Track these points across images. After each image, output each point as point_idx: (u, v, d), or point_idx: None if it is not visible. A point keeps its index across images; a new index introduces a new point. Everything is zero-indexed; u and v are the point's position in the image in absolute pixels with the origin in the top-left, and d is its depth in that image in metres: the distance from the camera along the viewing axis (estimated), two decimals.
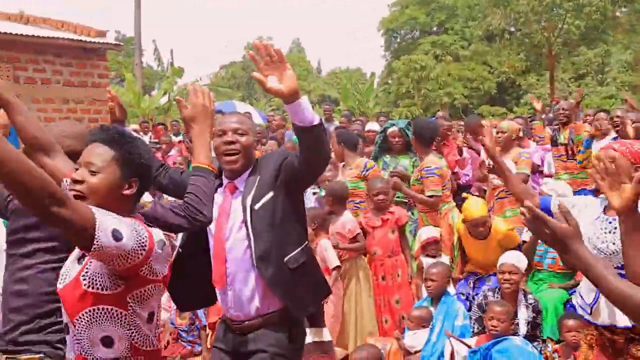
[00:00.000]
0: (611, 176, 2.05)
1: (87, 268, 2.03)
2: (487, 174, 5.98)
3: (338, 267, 4.93)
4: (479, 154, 7.03)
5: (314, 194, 7.00)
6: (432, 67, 28.25)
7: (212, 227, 2.94)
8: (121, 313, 2.05)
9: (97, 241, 1.87)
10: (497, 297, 4.52)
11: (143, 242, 2.01)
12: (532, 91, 26.98)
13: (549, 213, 3.11)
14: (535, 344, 4.30)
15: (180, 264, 2.92)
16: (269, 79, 2.49)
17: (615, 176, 2.05)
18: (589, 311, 3.06)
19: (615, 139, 6.09)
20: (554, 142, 7.03)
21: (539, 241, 4.18)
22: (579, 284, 3.53)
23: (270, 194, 2.86)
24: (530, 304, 4.47)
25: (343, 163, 6.19)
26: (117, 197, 2.08)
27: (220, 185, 2.99)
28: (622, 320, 2.94)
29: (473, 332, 4.55)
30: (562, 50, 27.41)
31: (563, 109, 7.02)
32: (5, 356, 2.92)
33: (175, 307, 4.95)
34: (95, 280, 2.02)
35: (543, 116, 9.40)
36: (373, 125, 8.65)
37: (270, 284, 2.86)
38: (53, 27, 11.04)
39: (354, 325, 5.12)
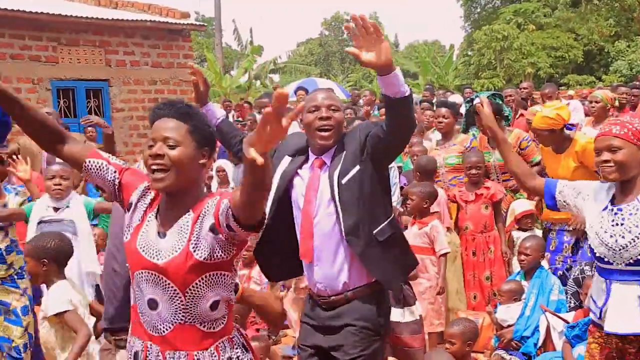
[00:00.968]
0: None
1: (195, 241, 2.12)
2: None
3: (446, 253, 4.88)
4: None
5: None
6: (514, 37, 27.25)
7: (299, 201, 2.99)
8: (228, 276, 2.19)
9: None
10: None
11: None
12: (622, 58, 25.71)
13: (553, 197, 3.01)
14: None
15: (267, 236, 3.01)
16: (362, 53, 2.50)
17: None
18: (598, 315, 2.89)
19: None
20: None
21: None
22: None
23: (357, 167, 2.88)
24: None
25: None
26: (195, 167, 2.18)
27: (306, 160, 3.03)
28: (634, 328, 2.73)
29: (569, 307, 4.44)
30: None
31: None
32: (113, 337, 3.10)
33: (266, 282, 5.08)
34: (213, 250, 2.13)
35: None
36: (456, 98, 8.52)
37: (361, 257, 2.89)
38: (139, 9, 11.35)
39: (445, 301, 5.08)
